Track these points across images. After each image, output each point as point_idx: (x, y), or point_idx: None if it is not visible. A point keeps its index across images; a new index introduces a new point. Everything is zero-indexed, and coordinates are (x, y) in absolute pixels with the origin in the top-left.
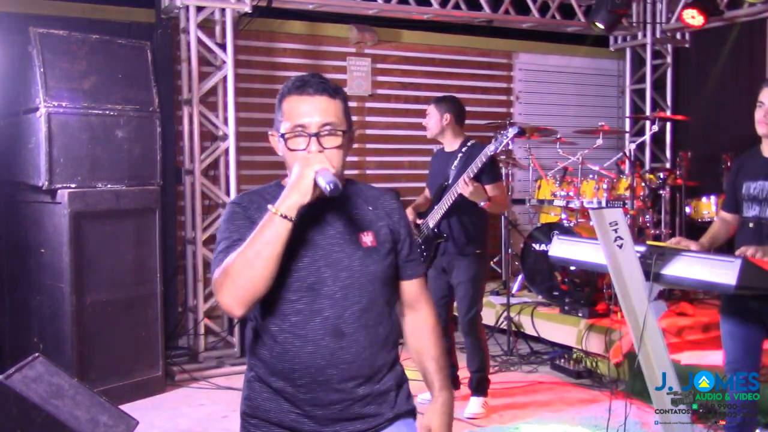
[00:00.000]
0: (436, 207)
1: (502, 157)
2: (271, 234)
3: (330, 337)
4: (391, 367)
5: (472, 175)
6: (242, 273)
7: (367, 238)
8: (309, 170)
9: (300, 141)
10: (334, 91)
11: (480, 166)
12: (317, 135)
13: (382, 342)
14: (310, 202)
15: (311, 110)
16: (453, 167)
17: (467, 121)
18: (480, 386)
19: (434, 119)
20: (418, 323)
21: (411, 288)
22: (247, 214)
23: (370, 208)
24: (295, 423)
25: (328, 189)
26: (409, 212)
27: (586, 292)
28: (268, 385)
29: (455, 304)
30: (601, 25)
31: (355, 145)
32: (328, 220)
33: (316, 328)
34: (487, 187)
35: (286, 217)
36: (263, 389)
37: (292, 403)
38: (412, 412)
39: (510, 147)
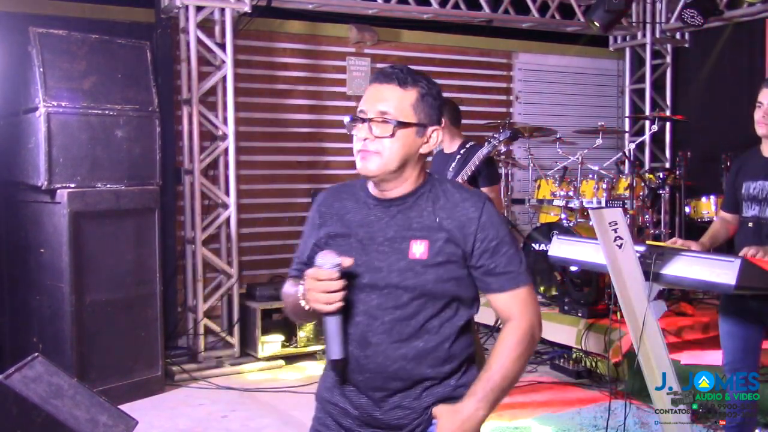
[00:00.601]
0: None
1: (502, 156)
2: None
3: (356, 345)
4: (439, 383)
5: (466, 178)
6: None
7: (418, 249)
8: (316, 305)
9: (358, 127)
10: (412, 81)
11: (473, 169)
12: (369, 120)
13: (420, 356)
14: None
15: (374, 96)
16: (450, 169)
17: (467, 121)
18: None
19: None
20: (501, 334)
21: (498, 301)
22: (318, 222)
23: (437, 219)
24: (338, 416)
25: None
26: None
27: (586, 291)
28: (330, 377)
29: None
30: (598, 24)
31: None
32: (382, 224)
33: (347, 333)
34: (483, 190)
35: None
36: (327, 379)
37: (341, 396)
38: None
39: (505, 149)
